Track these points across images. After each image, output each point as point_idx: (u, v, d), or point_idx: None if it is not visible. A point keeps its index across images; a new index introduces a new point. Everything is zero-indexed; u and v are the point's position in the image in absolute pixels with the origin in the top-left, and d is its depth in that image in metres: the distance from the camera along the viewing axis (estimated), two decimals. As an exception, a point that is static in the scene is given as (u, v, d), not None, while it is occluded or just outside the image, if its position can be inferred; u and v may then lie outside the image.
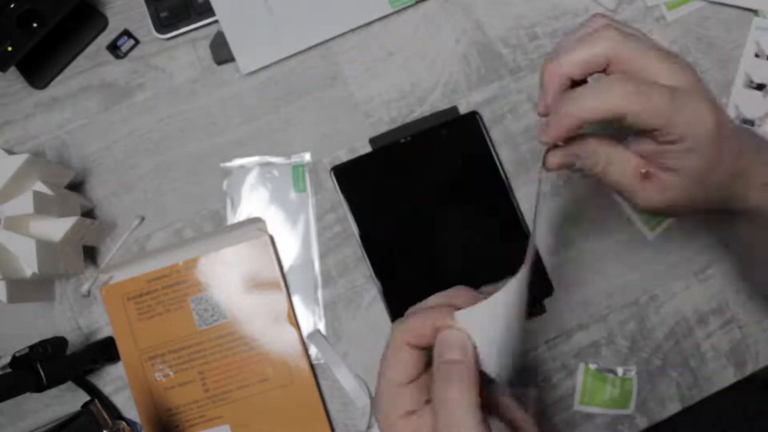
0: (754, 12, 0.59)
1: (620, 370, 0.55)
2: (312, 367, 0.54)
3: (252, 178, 0.57)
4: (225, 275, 0.55)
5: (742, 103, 0.57)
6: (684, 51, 0.59)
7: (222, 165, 0.57)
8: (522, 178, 0.57)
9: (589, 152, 0.39)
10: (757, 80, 0.57)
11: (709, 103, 0.36)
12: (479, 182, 0.56)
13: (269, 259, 0.55)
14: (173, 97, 0.58)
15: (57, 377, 0.48)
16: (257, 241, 0.55)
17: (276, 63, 0.58)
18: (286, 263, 0.56)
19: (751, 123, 0.57)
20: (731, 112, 0.57)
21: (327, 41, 0.58)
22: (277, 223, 0.56)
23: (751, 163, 0.39)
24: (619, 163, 0.39)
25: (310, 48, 0.58)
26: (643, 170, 0.38)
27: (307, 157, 0.57)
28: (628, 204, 0.48)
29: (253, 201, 0.56)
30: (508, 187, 0.56)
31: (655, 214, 0.45)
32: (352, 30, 0.58)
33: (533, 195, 0.57)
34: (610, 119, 0.36)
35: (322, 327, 0.55)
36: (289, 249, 0.56)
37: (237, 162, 0.57)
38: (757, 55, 0.57)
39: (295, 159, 0.57)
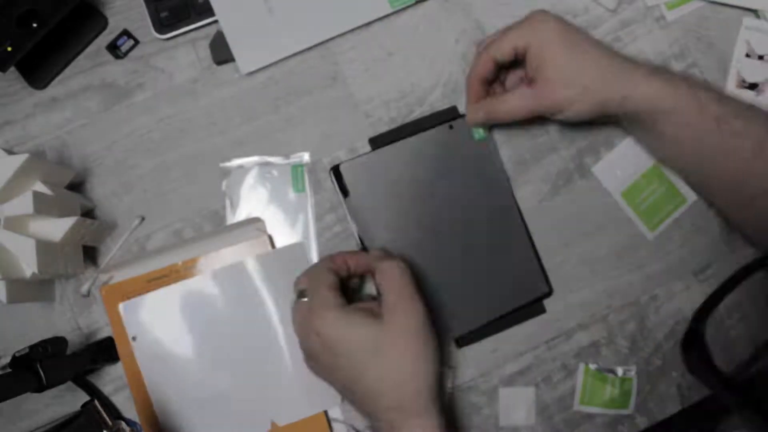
0: (755, 12, 0.59)
1: (620, 370, 0.55)
2: None
3: (251, 178, 0.57)
4: (225, 275, 0.55)
5: None
6: (684, 51, 0.59)
7: (221, 165, 0.57)
8: (522, 177, 0.57)
9: (493, 105, 0.53)
10: (750, 80, 0.57)
11: (553, 23, 0.51)
12: (479, 182, 0.56)
13: (269, 259, 0.55)
14: (173, 97, 0.58)
15: (57, 377, 0.48)
16: (256, 241, 0.55)
17: (276, 63, 0.58)
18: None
19: None
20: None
21: (327, 41, 0.58)
22: (276, 223, 0.56)
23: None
24: (512, 94, 0.52)
25: (310, 48, 0.58)
26: (521, 78, 0.54)
27: (306, 157, 0.57)
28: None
29: (252, 201, 0.56)
30: (507, 187, 0.56)
31: (569, 120, 0.53)
32: (352, 30, 0.58)
33: (534, 194, 0.57)
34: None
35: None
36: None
37: (236, 162, 0.57)
38: (747, 55, 0.57)
39: (294, 159, 0.57)
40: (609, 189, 0.57)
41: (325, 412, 0.54)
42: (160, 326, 0.54)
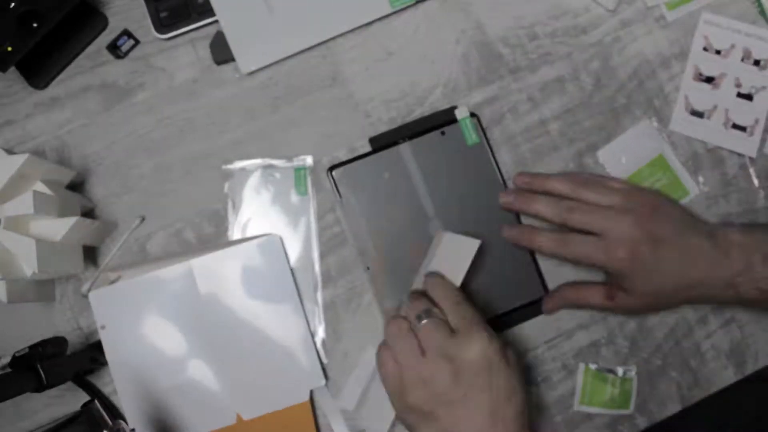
0: (759, 12, 0.59)
1: (620, 370, 0.55)
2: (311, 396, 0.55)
3: (254, 180, 0.57)
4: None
5: (691, 95, 0.58)
6: (684, 51, 0.59)
7: (224, 167, 0.57)
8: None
9: (570, 298, 0.54)
10: (706, 73, 0.58)
11: (621, 250, 0.48)
12: (473, 185, 0.56)
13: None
14: (173, 97, 0.58)
15: (57, 377, 0.48)
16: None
17: (276, 63, 0.58)
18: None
19: (701, 115, 0.57)
20: (681, 104, 0.57)
21: (327, 41, 0.58)
22: (278, 225, 0.56)
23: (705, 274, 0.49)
24: (592, 296, 0.52)
25: (310, 48, 0.58)
26: (608, 296, 0.51)
27: (309, 160, 0.57)
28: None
29: (254, 203, 0.56)
30: (505, 188, 0.56)
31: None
32: (352, 30, 0.58)
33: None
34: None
35: (321, 329, 0.55)
36: (290, 251, 0.56)
37: (238, 164, 0.57)
38: (705, 49, 0.58)
39: (297, 162, 0.57)
40: (612, 174, 0.57)
41: (312, 403, 0.54)
42: (130, 315, 0.54)
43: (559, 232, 0.51)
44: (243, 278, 0.55)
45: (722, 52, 0.57)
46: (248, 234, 0.56)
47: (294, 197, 0.57)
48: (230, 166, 0.57)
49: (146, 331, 0.54)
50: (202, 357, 0.54)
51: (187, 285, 0.54)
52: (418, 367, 0.45)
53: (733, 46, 0.57)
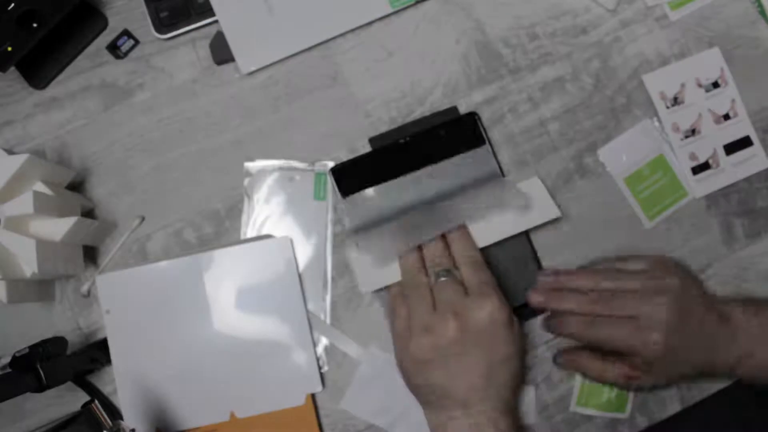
0: (759, 12, 0.59)
1: None
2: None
3: (272, 180, 0.57)
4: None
5: (686, 148, 0.58)
6: (684, 51, 0.59)
7: (245, 165, 0.57)
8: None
9: (585, 366, 0.54)
10: (684, 127, 0.58)
11: (656, 334, 0.48)
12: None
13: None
14: (173, 97, 0.58)
15: (57, 377, 0.48)
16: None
17: (276, 63, 0.58)
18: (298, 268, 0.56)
19: (706, 167, 0.57)
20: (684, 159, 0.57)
21: (327, 41, 0.58)
22: (293, 227, 0.56)
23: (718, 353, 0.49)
24: (610, 371, 0.52)
25: (310, 48, 0.58)
26: (628, 376, 0.51)
27: (330, 166, 0.57)
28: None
29: (271, 203, 0.56)
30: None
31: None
32: (352, 30, 0.58)
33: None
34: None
35: (325, 336, 0.55)
36: (301, 254, 0.56)
37: (259, 163, 0.57)
38: (668, 106, 0.58)
39: (318, 167, 0.57)
40: (612, 173, 0.57)
41: (315, 406, 0.54)
42: (135, 302, 0.54)
43: (588, 317, 0.50)
44: (250, 277, 0.55)
45: (678, 98, 0.57)
46: (263, 233, 0.56)
47: (312, 201, 0.56)
48: (251, 165, 0.57)
49: (149, 319, 0.54)
50: (201, 350, 0.54)
51: (194, 278, 0.54)
52: (427, 318, 0.48)
53: (683, 85, 0.58)
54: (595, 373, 0.53)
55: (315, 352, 0.54)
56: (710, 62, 0.58)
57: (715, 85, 0.58)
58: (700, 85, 0.58)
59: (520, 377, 0.50)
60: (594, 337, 0.50)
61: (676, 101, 0.58)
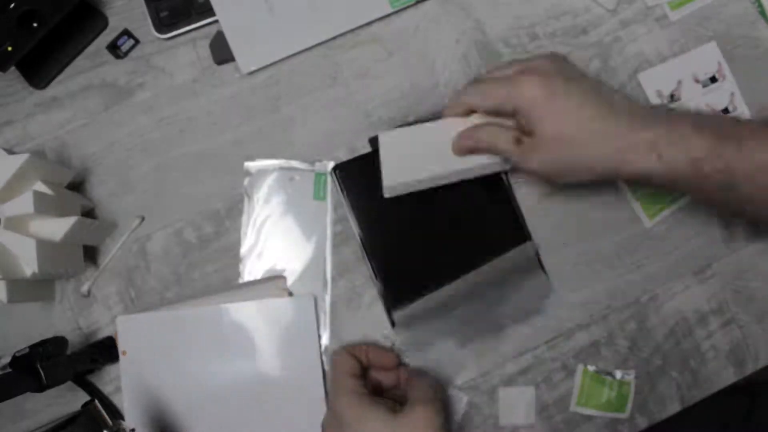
0: (759, 12, 0.59)
1: (618, 374, 0.55)
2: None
3: (272, 180, 0.57)
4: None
5: None
6: (684, 50, 0.59)
7: (245, 164, 0.57)
8: (522, 177, 0.57)
9: (479, 135, 0.49)
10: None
11: (539, 79, 0.46)
12: (479, 182, 0.56)
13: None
14: (173, 97, 0.58)
15: (57, 377, 0.48)
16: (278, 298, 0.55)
17: (276, 63, 0.58)
18: (297, 268, 0.56)
19: None
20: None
21: (327, 41, 0.58)
22: (292, 227, 0.56)
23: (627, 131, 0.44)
24: (502, 135, 0.48)
25: (310, 48, 0.58)
26: (516, 139, 0.47)
27: (330, 166, 0.57)
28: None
29: (271, 203, 0.56)
30: (508, 188, 0.56)
31: (551, 182, 0.50)
32: (352, 30, 0.58)
33: (533, 193, 0.57)
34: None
35: (326, 336, 0.55)
36: (301, 254, 0.56)
37: (259, 163, 0.57)
38: (664, 103, 0.58)
39: (318, 167, 0.57)
40: None
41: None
42: (152, 347, 0.54)
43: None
44: (270, 332, 0.54)
45: (675, 95, 0.57)
46: (263, 234, 0.56)
47: (311, 201, 0.56)
48: (251, 164, 0.57)
49: (165, 365, 0.54)
50: (213, 398, 0.54)
51: (214, 329, 0.54)
52: None
53: (680, 82, 0.57)
54: (487, 138, 0.49)
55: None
56: (707, 57, 0.58)
57: (713, 79, 0.58)
58: (697, 81, 0.58)
59: None
60: (483, 102, 0.49)
61: (672, 98, 0.57)
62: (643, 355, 0.56)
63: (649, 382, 0.55)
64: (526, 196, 0.57)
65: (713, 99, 0.58)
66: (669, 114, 0.45)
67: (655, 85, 0.58)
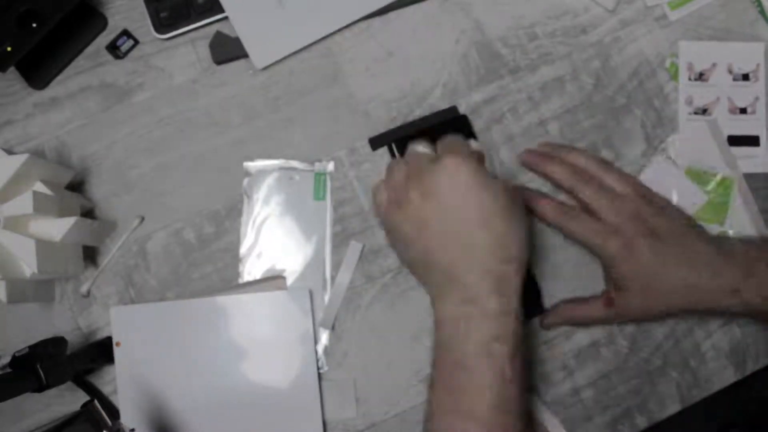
0: (759, 12, 0.59)
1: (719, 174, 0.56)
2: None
3: (272, 180, 0.57)
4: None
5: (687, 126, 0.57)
6: (726, 38, 0.59)
7: (245, 164, 0.57)
8: (522, 178, 0.57)
9: (569, 314, 0.54)
10: (698, 104, 0.58)
11: (621, 233, 0.49)
12: None
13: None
14: (173, 97, 0.58)
15: (57, 377, 0.47)
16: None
17: (276, 63, 0.58)
18: (297, 268, 0.56)
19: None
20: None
21: (326, 41, 0.58)
22: (292, 227, 0.56)
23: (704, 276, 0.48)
24: (591, 308, 0.53)
25: (325, 38, 0.58)
26: (606, 302, 0.52)
27: (330, 166, 0.57)
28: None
29: (270, 203, 0.56)
30: None
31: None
32: (352, 30, 0.58)
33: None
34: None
35: (325, 336, 0.55)
36: (301, 254, 0.56)
37: (259, 163, 0.57)
38: (690, 79, 0.58)
39: (318, 167, 0.57)
40: None
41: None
42: (147, 339, 0.54)
43: (564, 206, 0.52)
44: (264, 325, 0.54)
45: (704, 75, 0.57)
46: (262, 234, 0.56)
47: (311, 202, 0.56)
48: (251, 164, 0.57)
49: (160, 356, 0.54)
50: (208, 390, 0.54)
51: (210, 321, 0.54)
52: (399, 191, 0.45)
53: (714, 65, 0.57)
54: (578, 315, 0.53)
55: (321, 400, 0.54)
56: (750, 54, 0.58)
57: (746, 77, 0.57)
58: (730, 71, 0.57)
59: (514, 242, 0.43)
60: (563, 222, 0.51)
61: (701, 77, 0.57)
62: (643, 355, 0.56)
63: (649, 382, 0.55)
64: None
65: (737, 94, 0.57)
66: (746, 255, 0.48)
67: (690, 57, 0.58)
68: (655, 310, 0.51)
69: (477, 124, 0.57)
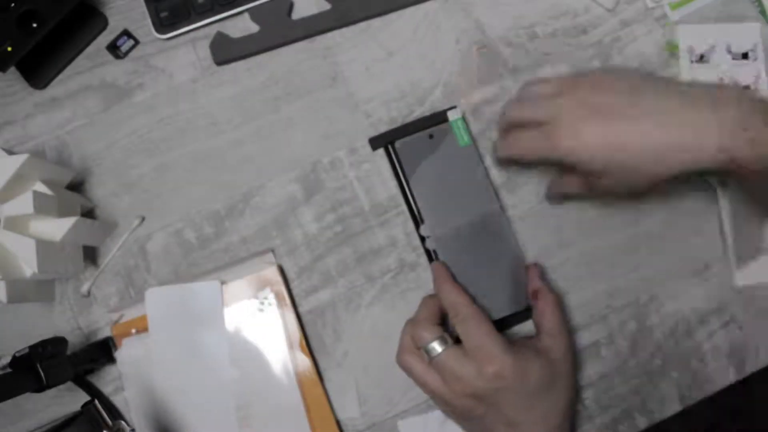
0: (759, 12, 0.59)
1: None
2: (326, 391, 0.54)
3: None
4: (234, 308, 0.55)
5: None
6: (727, 20, 0.59)
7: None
8: (521, 178, 0.57)
9: (561, 185, 0.53)
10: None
11: (567, 124, 0.46)
12: (466, 188, 0.55)
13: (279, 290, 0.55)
14: (173, 97, 0.58)
15: (57, 377, 0.47)
16: (267, 272, 0.55)
17: (276, 62, 0.58)
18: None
19: None
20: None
21: (327, 41, 0.58)
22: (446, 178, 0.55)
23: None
24: (571, 184, 0.51)
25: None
26: (582, 184, 0.49)
27: (457, 113, 0.56)
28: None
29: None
30: (493, 194, 0.55)
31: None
32: (352, 29, 0.58)
33: (532, 194, 0.57)
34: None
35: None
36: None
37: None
38: (692, 61, 0.58)
39: (452, 115, 0.56)
40: None
41: None
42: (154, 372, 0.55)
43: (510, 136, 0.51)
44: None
45: (705, 56, 0.57)
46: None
47: (459, 148, 0.55)
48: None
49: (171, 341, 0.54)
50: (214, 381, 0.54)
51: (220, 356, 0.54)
52: (443, 393, 0.47)
53: (713, 46, 0.57)
54: (569, 186, 0.52)
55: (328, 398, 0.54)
56: (747, 34, 0.58)
57: (745, 56, 0.58)
58: (729, 52, 0.58)
59: (556, 413, 0.47)
60: (514, 151, 0.49)
61: (702, 59, 0.57)
62: (643, 355, 0.56)
63: (649, 382, 0.55)
64: (525, 197, 0.57)
65: (738, 73, 0.58)
66: (726, 98, 0.43)
67: (690, 40, 0.58)
68: (637, 185, 0.46)
69: (477, 124, 0.57)
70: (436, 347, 0.47)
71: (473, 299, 0.50)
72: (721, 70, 0.58)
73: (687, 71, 0.58)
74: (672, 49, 0.57)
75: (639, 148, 0.44)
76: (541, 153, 0.47)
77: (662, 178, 0.44)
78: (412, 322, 0.50)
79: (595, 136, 0.44)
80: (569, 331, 0.51)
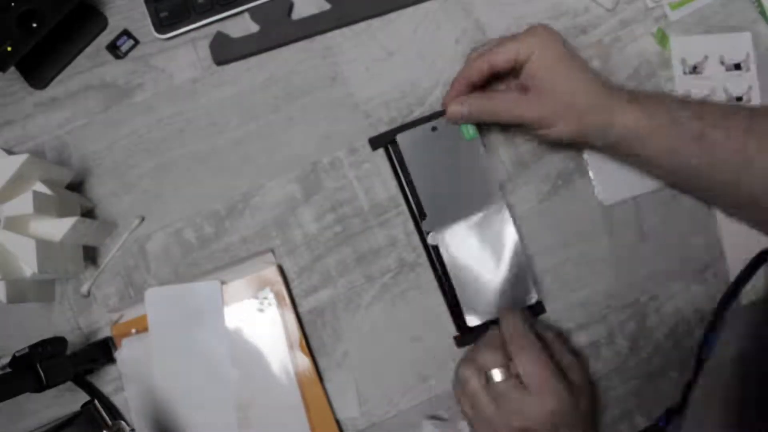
0: (759, 12, 0.59)
1: None
2: (326, 391, 0.54)
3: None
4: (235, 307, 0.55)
5: None
6: (719, 31, 0.59)
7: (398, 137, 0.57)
8: (522, 178, 0.57)
9: (482, 105, 0.53)
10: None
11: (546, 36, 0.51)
12: (470, 182, 0.55)
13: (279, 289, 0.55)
14: (173, 97, 0.58)
15: (57, 377, 0.48)
16: (267, 272, 0.55)
17: (276, 62, 0.58)
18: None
19: None
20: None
21: (327, 40, 0.58)
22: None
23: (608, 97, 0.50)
24: (500, 98, 0.53)
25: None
26: (517, 87, 0.52)
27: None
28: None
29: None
30: (498, 189, 0.55)
31: (548, 139, 0.53)
32: (352, 29, 0.58)
33: (533, 194, 0.57)
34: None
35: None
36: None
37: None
38: (685, 72, 0.58)
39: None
40: None
41: None
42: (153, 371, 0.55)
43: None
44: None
45: (698, 67, 0.58)
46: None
47: (464, 142, 0.55)
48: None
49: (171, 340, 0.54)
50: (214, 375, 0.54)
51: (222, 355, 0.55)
52: (492, 419, 0.48)
53: (706, 57, 0.58)
54: (490, 103, 0.52)
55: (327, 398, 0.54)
56: (739, 44, 0.58)
57: (737, 66, 0.58)
58: (722, 63, 0.58)
59: (584, 422, 0.49)
60: (496, 52, 0.51)
61: (695, 70, 0.58)
62: (643, 355, 0.56)
63: (649, 381, 0.55)
64: (525, 197, 0.57)
65: (732, 84, 0.58)
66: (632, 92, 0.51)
67: (683, 53, 0.58)
68: (557, 115, 0.50)
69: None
70: (499, 374, 0.48)
71: (475, 295, 0.50)
72: (714, 81, 0.58)
73: (680, 83, 0.58)
74: (663, 44, 0.58)
75: (567, 82, 0.51)
76: (517, 117, 0.51)
77: (578, 121, 0.50)
78: (482, 342, 0.51)
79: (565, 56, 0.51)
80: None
